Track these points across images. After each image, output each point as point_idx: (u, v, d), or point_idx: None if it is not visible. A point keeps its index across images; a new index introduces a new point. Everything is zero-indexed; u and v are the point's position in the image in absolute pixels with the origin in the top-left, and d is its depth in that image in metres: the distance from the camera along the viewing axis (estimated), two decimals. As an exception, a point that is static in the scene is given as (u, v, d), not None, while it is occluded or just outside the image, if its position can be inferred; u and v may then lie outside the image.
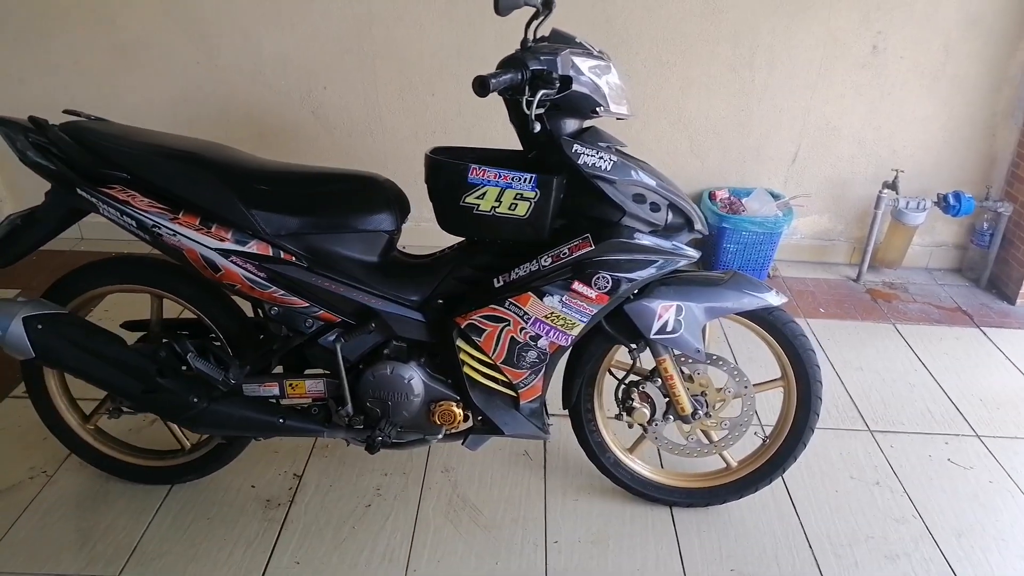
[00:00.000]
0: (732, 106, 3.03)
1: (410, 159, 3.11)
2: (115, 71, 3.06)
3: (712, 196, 3.12)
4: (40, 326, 1.66)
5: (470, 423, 1.81)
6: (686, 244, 1.65)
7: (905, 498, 2.07)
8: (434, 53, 2.97)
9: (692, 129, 3.09)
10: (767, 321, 1.77)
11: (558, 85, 1.42)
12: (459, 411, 1.76)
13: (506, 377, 1.71)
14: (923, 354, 2.73)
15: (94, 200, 1.62)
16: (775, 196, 3.11)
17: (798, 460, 1.89)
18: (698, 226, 1.66)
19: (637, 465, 1.97)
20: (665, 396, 1.82)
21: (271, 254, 1.63)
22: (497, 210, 1.55)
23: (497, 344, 1.66)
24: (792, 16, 2.84)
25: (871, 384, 2.55)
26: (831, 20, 2.84)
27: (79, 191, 1.62)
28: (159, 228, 1.60)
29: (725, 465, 1.95)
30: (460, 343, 1.69)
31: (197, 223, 1.60)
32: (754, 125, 3.07)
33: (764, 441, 1.92)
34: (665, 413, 1.84)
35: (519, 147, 1.66)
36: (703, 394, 1.84)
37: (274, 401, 1.82)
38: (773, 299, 1.70)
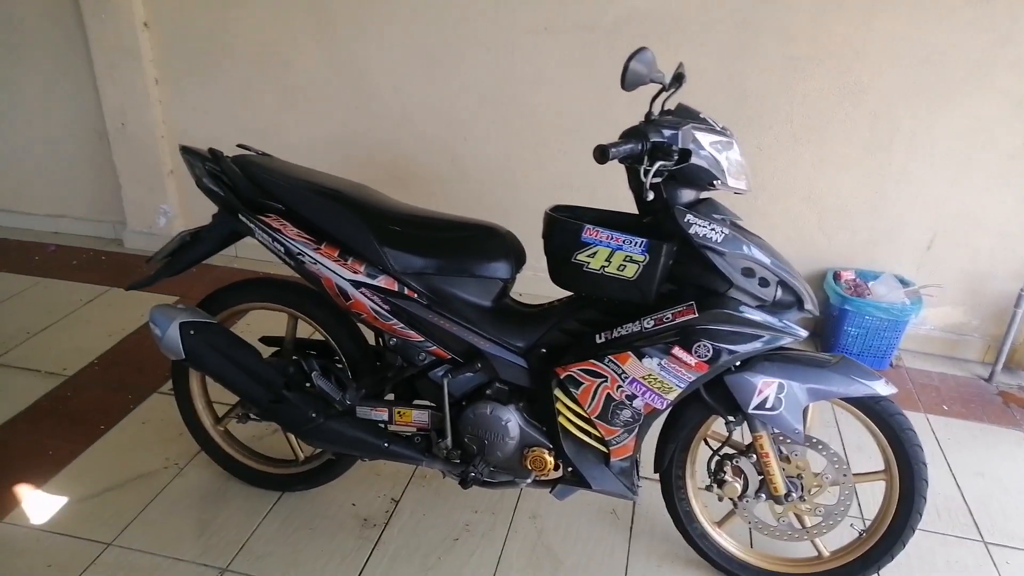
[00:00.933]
0: (865, 187, 2.97)
1: (535, 211, 3.17)
2: (281, 109, 3.41)
3: (837, 276, 3.05)
4: (193, 332, 1.88)
5: (560, 472, 1.86)
6: (795, 323, 1.65)
7: (1018, 621, 1.93)
8: (569, 114, 3.11)
9: (821, 207, 3.05)
10: (873, 411, 1.72)
11: (676, 157, 1.49)
12: (550, 459, 1.81)
13: (599, 432, 1.76)
14: (1058, 469, 2.53)
15: (252, 226, 1.82)
16: (904, 283, 3.00)
17: (897, 560, 1.81)
18: (808, 306, 1.66)
19: (724, 540, 1.95)
20: (759, 473, 1.80)
21: (396, 289, 1.77)
22: (606, 269, 1.62)
23: (593, 398, 1.72)
24: (935, 102, 2.77)
25: (991, 492, 2.38)
26: (979, 109, 2.75)
27: (241, 217, 1.83)
28: (303, 256, 1.79)
29: (817, 553, 1.89)
30: (558, 393, 1.76)
31: (336, 255, 1.77)
32: (887, 208, 2.99)
33: (861, 534, 1.85)
34: (757, 491, 1.82)
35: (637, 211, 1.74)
36: (799, 476, 1.80)
37: (382, 425, 1.95)
38: (882, 388, 1.67)
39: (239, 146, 1.98)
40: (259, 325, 2.24)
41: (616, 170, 3.18)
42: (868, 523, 1.85)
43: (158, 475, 2.25)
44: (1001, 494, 2.38)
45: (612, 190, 3.16)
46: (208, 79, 3.42)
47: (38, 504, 2.11)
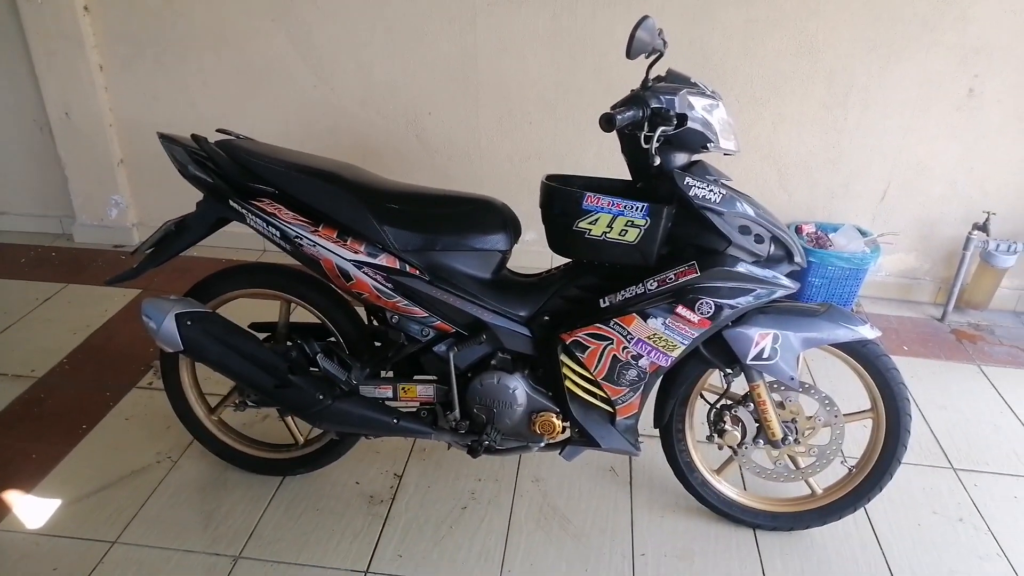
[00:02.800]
0: (823, 143, 3.09)
1: (506, 182, 3.26)
2: (238, 93, 3.32)
3: (799, 230, 3.18)
4: (189, 322, 1.84)
5: (567, 434, 1.91)
6: (785, 275, 1.74)
7: (989, 536, 2.08)
8: (534, 84, 3.12)
9: (782, 164, 3.16)
10: (860, 354, 1.83)
11: (675, 122, 1.54)
12: (558, 422, 1.87)
13: (605, 393, 1.81)
14: (1009, 397, 2.71)
15: (244, 211, 1.80)
16: (863, 233, 3.14)
17: (881, 492, 1.94)
18: (797, 259, 1.74)
19: (724, 487, 2.04)
20: (756, 421, 1.89)
21: (398, 267, 1.78)
22: (608, 235, 1.66)
23: (599, 361, 1.77)
24: (888, 58, 2.89)
25: (955, 423, 2.55)
26: (927, 63, 2.88)
27: (232, 203, 1.80)
28: (301, 239, 1.77)
29: (810, 491, 2.01)
30: (564, 358, 1.80)
31: (335, 236, 1.77)
32: (844, 162, 3.12)
33: (851, 470, 1.97)
34: (755, 437, 1.91)
35: (611, 174, 1.78)
36: (793, 421, 1.90)
37: (385, 403, 1.96)
38: (867, 332, 1.77)
39: (219, 131, 1.94)
40: (236, 313, 2.19)
41: (581, 138, 3.23)
42: (851, 461, 1.97)
43: (152, 470, 2.21)
44: (963, 424, 2.55)
45: (578, 157, 3.23)
46: (158, 64, 3.29)
47: (31, 509, 2.06)
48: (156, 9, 3.17)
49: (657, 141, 1.55)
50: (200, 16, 3.16)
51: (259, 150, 1.83)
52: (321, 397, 1.88)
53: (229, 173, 1.80)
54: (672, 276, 1.67)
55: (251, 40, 3.19)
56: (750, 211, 1.66)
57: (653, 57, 1.71)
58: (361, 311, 1.97)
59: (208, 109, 3.35)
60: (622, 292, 1.73)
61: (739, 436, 1.91)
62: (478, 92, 3.17)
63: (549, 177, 1.78)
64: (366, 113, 3.28)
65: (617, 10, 2.92)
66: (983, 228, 3.03)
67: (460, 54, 3.10)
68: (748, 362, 1.76)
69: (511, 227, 1.84)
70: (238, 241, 3.27)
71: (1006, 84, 2.89)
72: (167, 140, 1.84)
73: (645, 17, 1.55)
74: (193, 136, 1.83)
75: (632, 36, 1.53)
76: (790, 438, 1.90)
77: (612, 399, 1.82)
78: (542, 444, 1.92)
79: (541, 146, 3.24)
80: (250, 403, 2.06)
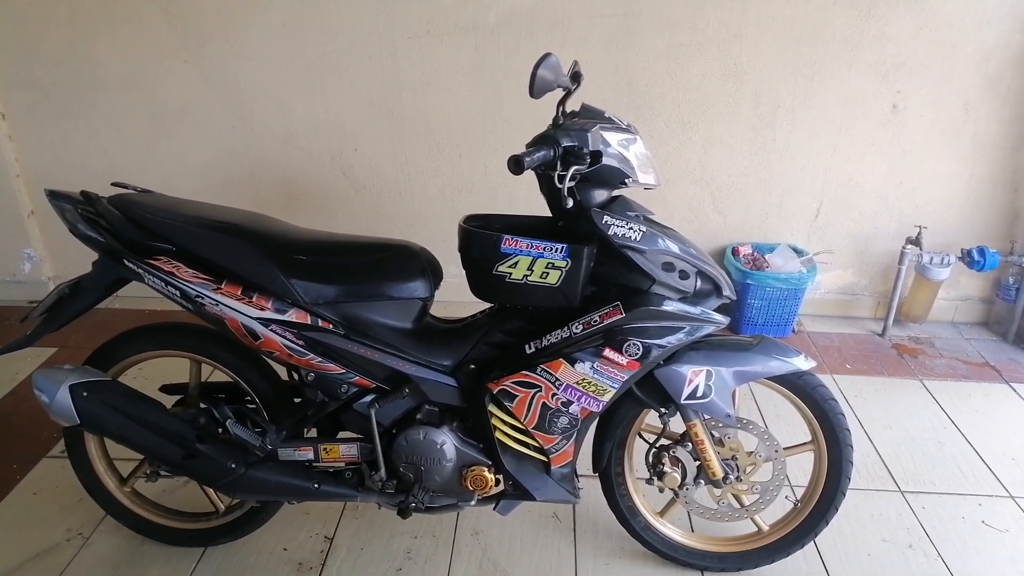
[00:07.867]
0: (754, 164, 3.08)
1: (438, 218, 3.18)
2: (152, 136, 3.17)
3: (735, 252, 3.15)
4: (85, 393, 1.71)
5: (501, 487, 1.82)
6: (714, 310, 1.67)
7: (940, 562, 2.04)
8: (461, 116, 3.05)
9: (714, 187, 3.14)
10: (796, 385, 1.78)
11: (589, 160, 1.47)
12: (491, 476, 1.77)
13: (537, 442, 1.72)
14: (952, 411, 2.71)
15: (140, 271, 1.67)
16: (798, 252, 3.13)
17: (828, 525, 1.88)
18: (726, 292, 1.69)
19: (668, 529, 1.97)
20: (696, 460, 1.83)
21: (309, 322, 1.67)
22: (529, 278, 1.59)
23: (529, 410, 1.68)
24: (811, 78, 2.91)
25: (900, 443, 2.53)
26: (850, 81, 2.90)
27: (126, 262, 1.68)
28: (202, 298, 1.65)
29: (757, 529, 1.94)
30: (492, 408, 1.71)
31: (239, 293, 1.65)
32: (776, 182, 3.11)
33: (796, 505, 1.92)
34: (696, 477, 1.84)
35: (546, 211, 1.71)
36: (734, 458, 1.84)
37: (308, 465, 1.84)
38: (802, 363, 1.72)
39: (114, 184, 1.81)
40: (153, 372, 2.06)
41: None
42: (800, 492, 1.91)
43: (61, 549, 2.04)
44: (908, 443, 2.53)
45: (512, 189, 3.17)
46: (65, 110, 3.14)
47: (-77, 605, 1.88)
48: (60, 52, 3.02)
49: (571, 180, 1.48)
50: (107, 59, 3.03)
51: (156, 204, 1.72)
52: (233, 466, 1.75)
53: (122, 231, 1.68)
54: (597, 318, 1.60)
55: (164, 82, 3.06)
56: (673, 247, 1.60)
57: (563, 94, 1.65)
58: (280, 366, 1.85)
59: (121, 155, 3.20)
60: (548, 337, 1.65)
61: (679, 477, 1.83)
62: (404, 126, 3.08)
63: (467, 219, 1.70)
64: (289, 152, 3.17)
65: (540, 41, 2.88)
66: (916, 242, 3.05)
67: (383, 88, 3.01)
68: (682, 401, 1.69)
69: (430, 272, 1.75)
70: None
71: (927, 99, 2.92)
72: (56, 198, 1.70)
73: (547, 55, 1.48)
74: (83, 192, 1.70)
75: (534, 75, 1.46)
76: (731, 476, 1.84)
77: (545, 448, 1.73)
78: (474, 501, 1.81)
79: (472, 178, 3.17)
80: (162, 473, 1.92)
